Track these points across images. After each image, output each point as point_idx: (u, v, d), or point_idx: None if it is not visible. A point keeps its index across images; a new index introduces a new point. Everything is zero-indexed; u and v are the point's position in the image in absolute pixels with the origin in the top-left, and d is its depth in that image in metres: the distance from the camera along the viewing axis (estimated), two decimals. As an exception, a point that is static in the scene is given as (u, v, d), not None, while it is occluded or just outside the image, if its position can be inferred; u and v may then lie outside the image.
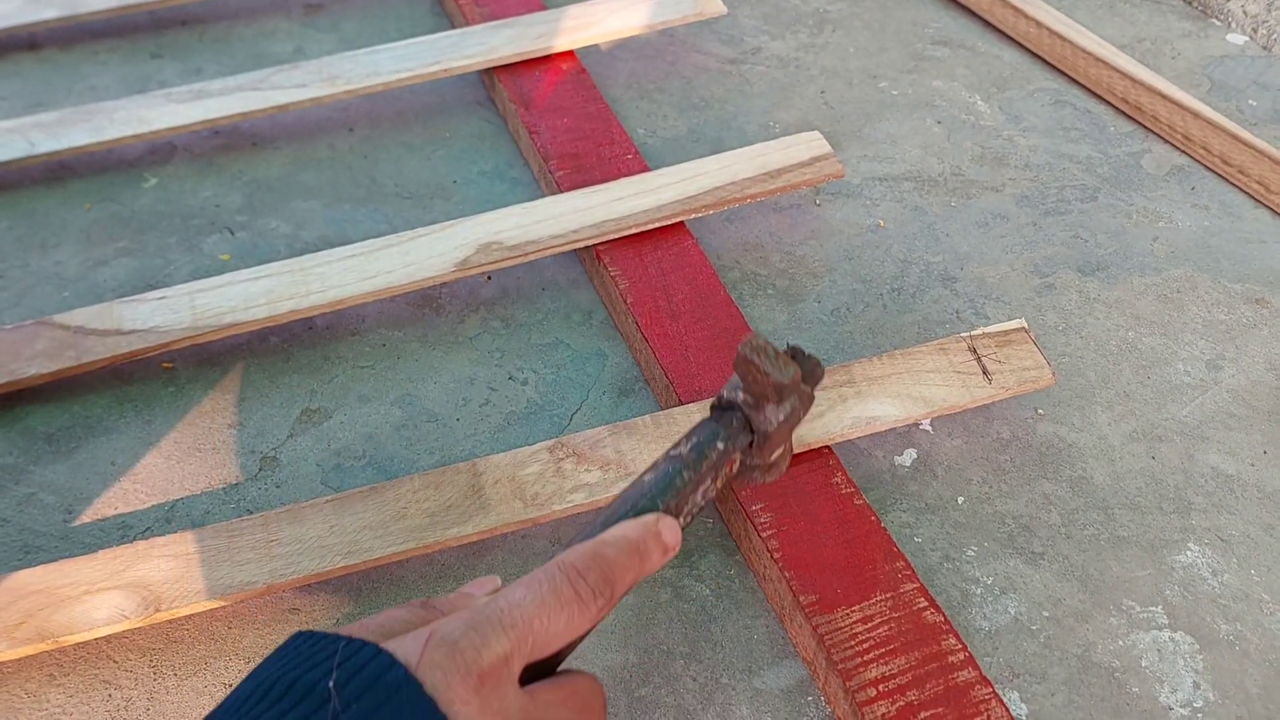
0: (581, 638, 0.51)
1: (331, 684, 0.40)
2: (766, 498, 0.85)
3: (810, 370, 0.70)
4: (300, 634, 0.44)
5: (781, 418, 0.65)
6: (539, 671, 0.49)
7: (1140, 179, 1.27)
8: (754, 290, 1.11)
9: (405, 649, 0.43)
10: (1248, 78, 1.43)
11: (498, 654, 0.44)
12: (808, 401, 0.69)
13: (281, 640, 0.81)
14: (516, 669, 0.45)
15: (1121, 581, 0.87)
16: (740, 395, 0.65)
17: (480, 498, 0.84)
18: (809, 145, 1.15)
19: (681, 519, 0.59)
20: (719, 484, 0.63)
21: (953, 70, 1.44)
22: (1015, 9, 1.49)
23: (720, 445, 0.63)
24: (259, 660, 0.80)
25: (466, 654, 0.43)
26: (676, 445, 0.62)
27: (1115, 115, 1.36)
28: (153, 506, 0.91)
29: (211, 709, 0.41)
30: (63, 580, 0.79)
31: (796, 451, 0.87)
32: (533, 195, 1.22)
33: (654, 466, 0.61)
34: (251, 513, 0.89)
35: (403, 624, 0.48)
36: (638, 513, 0.57)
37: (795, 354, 0.70)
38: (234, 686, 0.78)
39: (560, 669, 0.51)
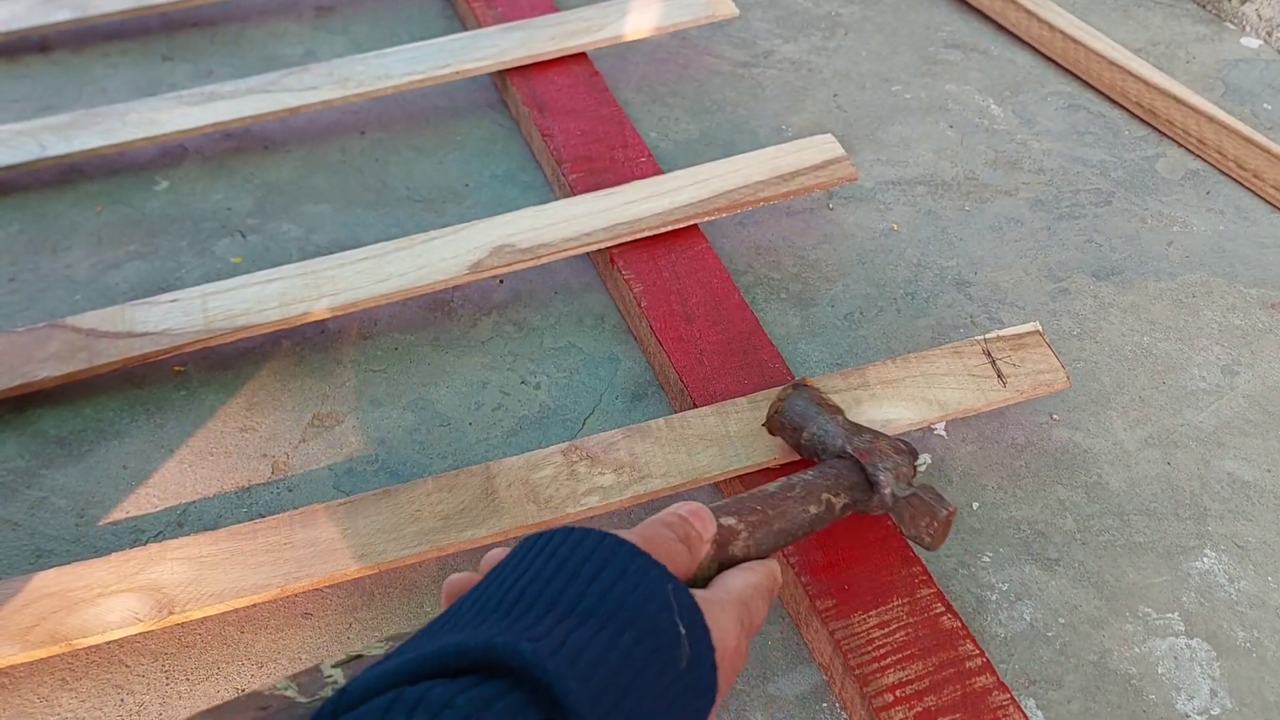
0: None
1: (683, 630, 0.46)
2: (781, 503, 0.84)
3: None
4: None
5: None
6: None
7: (1155, 183, 1.26)
8: (767, 294, 1.10)
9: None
10: (1263, 81, 1.43)
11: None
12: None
13: (293, 645, 0.81)
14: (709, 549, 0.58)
15: (1137, 588, 0.86)
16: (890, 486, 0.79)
17: (494, 501, 0.84)
18: (822, 148, 1.15)
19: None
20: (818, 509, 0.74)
21: (966, 74, 1.43)
22: (1029, 12, 1.48)
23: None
24: (272, 665, 0.80)
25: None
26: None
27: (1129, 119, 1.35)
28: (165, 510, 0.91)
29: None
30: (76, 583, 0.79)
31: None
32: (545, 199, 1.21)
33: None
34: (264, 517, 0.89)
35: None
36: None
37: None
38: (244, 689, 0.78)
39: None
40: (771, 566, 0.59)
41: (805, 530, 0.70)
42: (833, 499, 0.73)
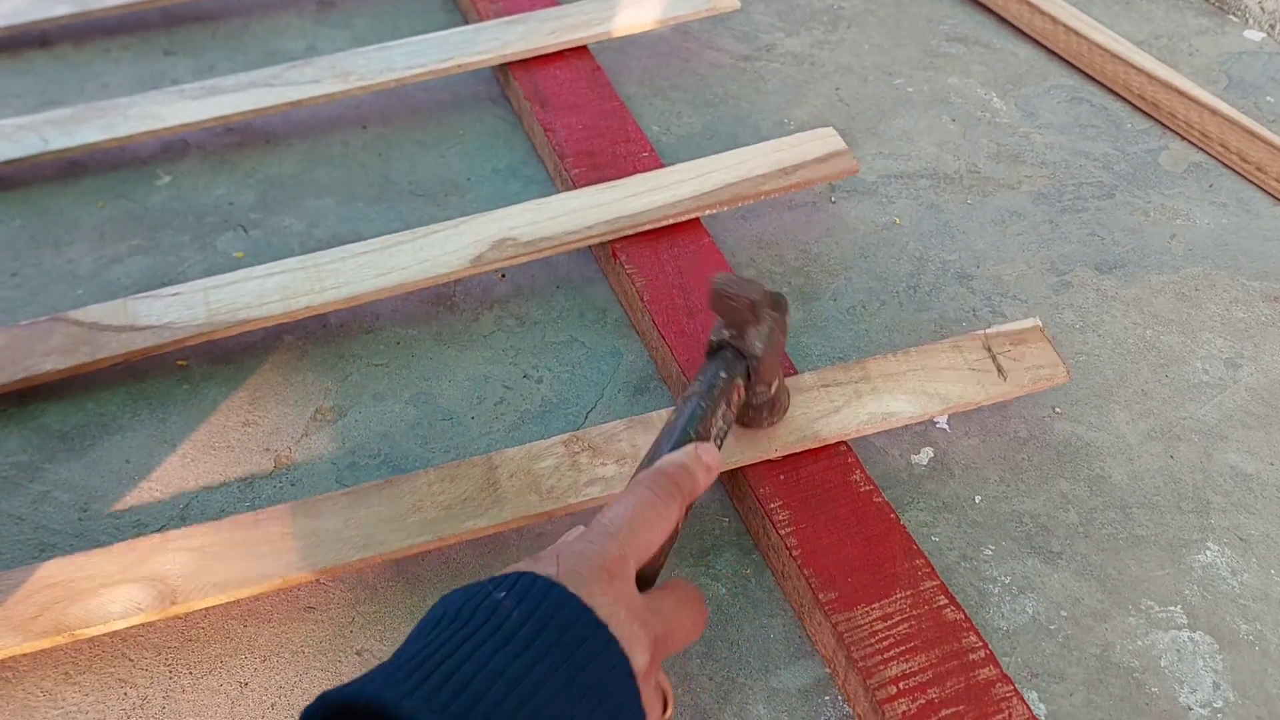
0: (667, 550, 0.63)
1: (501, 595, 0.50)
2: (785, 495, 0.84)
3: (776, 300, 0.81)
4: (454, 592, 0.53)
5: (762, 342, 0.77)
6: (645, 583, 0.61)
7: (1158, 176, 1.26)
8: (769, 288, 1.10)
9: (543, 567, 0.54)
10: (1265, 74, 1.42)
11: (614, 554, 0.56)
12: (783, 327, 0.81)
13: (296, 639, 0.81)
14: (632, 569, 0.57)
15: (1140, 581, 0.86)
16: (725, 332, 0.77)
17: (496, 491, 0.84)
18: (824, 141, 1.15)
19: (712, 441, 0.71)
20: (733, 410, 0.75)
21: (968, 67, 1.43)
22: (1031, 5, 1.48)
23: (723, 374, 0.75)
24: (275, 658, 0.80)
25: (592, 558, 0.54)
26: (688, 388, 0.74)
27: (1132, 112, 1.35)
28: (167, 503, 0.91)
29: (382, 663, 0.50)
30: (78, 573, 0.79)
31: (813, 447, 0.87)
32: (547, 193, 1.21)
33: (676, 409, 0.72)
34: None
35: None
36: (676, 444, 0.68)
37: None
38: (247, 683, 0.78)
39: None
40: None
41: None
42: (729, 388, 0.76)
